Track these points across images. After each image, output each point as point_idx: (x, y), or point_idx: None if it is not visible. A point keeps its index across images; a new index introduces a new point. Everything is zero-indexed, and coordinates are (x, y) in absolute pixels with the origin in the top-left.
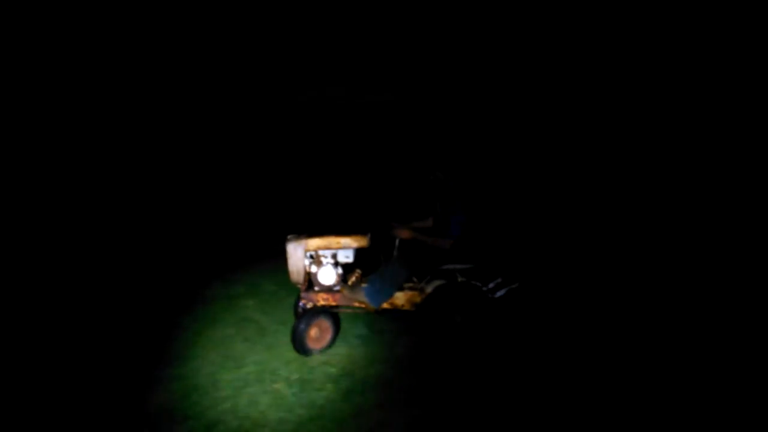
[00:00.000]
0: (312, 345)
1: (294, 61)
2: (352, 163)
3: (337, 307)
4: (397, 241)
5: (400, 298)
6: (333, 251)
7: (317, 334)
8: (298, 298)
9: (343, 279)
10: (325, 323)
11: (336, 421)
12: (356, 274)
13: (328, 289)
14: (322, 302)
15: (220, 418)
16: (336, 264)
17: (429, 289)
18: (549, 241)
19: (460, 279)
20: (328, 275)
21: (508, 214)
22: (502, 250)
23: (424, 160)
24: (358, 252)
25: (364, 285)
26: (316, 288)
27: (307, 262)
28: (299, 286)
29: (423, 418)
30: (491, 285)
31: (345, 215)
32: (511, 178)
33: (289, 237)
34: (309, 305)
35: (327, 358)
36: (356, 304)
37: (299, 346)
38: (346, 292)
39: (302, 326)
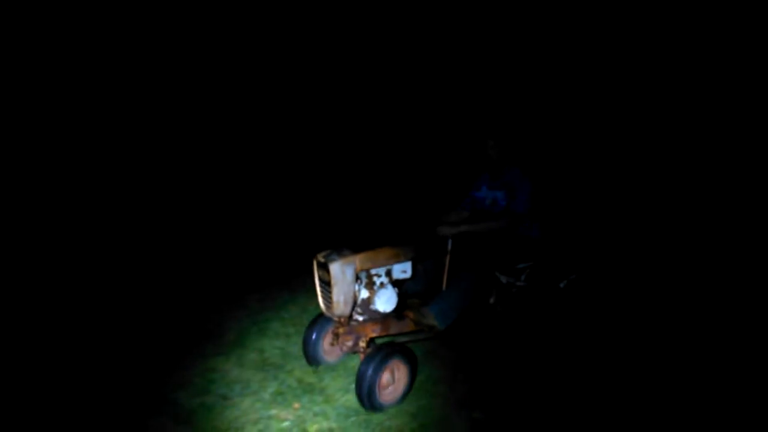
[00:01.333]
0: (384, 398)
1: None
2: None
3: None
4: (449, 243)
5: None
6: (387, 267)
7: (389, 381)
8: (314, 329)
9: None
10: (402, 365)
11: None
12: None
13: (384, 317)
14: (371, 335)
15: None
16: (393, 283)
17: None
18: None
19: (520, 282)
20: (389, 299)
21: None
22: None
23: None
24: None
25: (427, 305)
26: (363, 317)
27: (356, 286)
28: (338, 319)
29: None
30: (561, 284)
31: (365, 220)
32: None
33: (325, 255)
34: (353, 343)
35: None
36: (409, 329)
37: (368, 399)
38: (413, 316)
39: (370, 372)
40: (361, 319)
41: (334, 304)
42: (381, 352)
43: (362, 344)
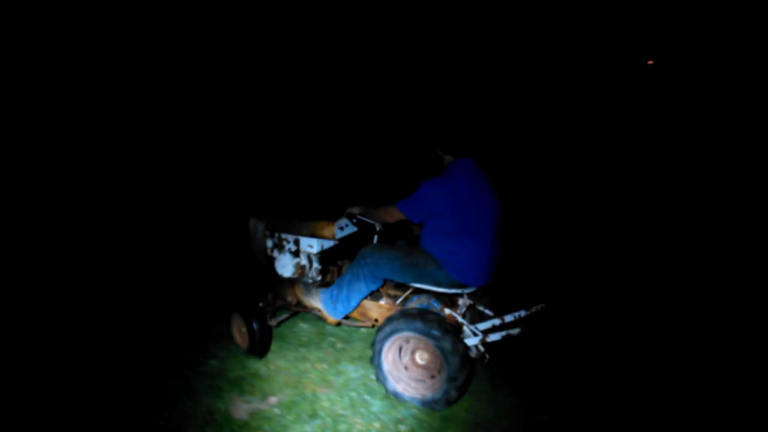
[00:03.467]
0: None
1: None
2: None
3: (303, 307)
4: (345, 224)
5: (373, 310)
6: (295, 237)
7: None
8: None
9: (311, 274)
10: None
11: None
12: (333, 271)
13: (291, 283)
14: (285, 295)
15: None
16: (297, 253)
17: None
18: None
19: (464, 302)
20: (284, 265)
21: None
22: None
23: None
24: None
25: (323, 288)
26: (279, 277)
27: (269, 244)
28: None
29: None
30: (509, 317)
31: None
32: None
33: (253, 214)
34: (271, 297)
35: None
36: (309, 304)
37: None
38: (299, 290)
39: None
40: (279, 278)
41: (254, 252)
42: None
43: (274, 300)
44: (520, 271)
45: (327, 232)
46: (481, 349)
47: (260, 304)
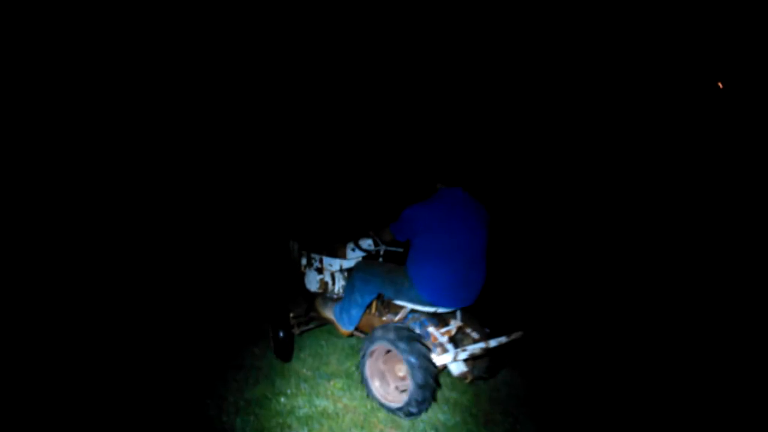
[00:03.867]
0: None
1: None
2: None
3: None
4: (380, 257)
5: (377, 324)
6: (320, 256)
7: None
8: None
9: (333, 289)
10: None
11: None
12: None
13: (313, 296)
14: (315, 308)
15: None
16: (321, 270)
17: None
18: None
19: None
20: (309, 280)
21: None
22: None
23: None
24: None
25: (337, 302)
26: (310, 291)
27: (303, 261)
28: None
29: None
30: (493, 342)
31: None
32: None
33: (292, 236)
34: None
35: None
36: (325, 316)
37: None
38: (319, 303)
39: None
40: (308, 292)
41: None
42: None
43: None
44: (519, 293)
45: (341, 253)
46: (465, 368)
47: (291, 314)
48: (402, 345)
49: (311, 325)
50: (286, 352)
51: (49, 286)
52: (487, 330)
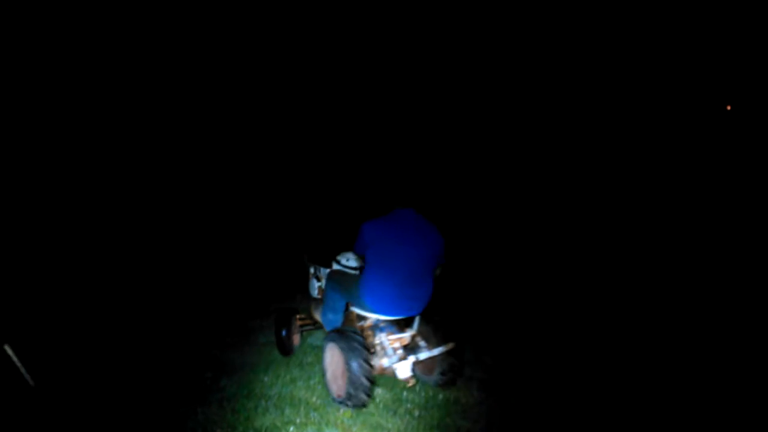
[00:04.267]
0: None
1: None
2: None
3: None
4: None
5: (356, 325)
6: (318, 266)
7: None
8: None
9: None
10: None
11: None
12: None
13: (315, 302)
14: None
15: None
16: (319, 278)
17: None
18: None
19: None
20: (311, 287)
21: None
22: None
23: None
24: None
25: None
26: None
27: (311, 270)
28: None
29: None
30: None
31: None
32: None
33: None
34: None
35: None
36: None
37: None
38: (312, 307)
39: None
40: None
41: None
42: None
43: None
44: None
45: (330, 265)
46: (410, 372)
47: (297, 317)
48: (343, 345)
49: (311, 326)
50: (286, 348)
51: (50, 285)
52: (436, 340)
